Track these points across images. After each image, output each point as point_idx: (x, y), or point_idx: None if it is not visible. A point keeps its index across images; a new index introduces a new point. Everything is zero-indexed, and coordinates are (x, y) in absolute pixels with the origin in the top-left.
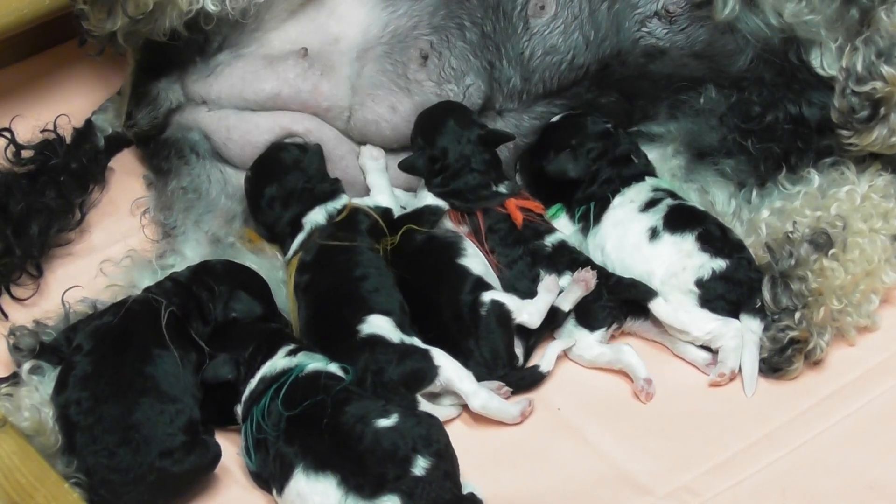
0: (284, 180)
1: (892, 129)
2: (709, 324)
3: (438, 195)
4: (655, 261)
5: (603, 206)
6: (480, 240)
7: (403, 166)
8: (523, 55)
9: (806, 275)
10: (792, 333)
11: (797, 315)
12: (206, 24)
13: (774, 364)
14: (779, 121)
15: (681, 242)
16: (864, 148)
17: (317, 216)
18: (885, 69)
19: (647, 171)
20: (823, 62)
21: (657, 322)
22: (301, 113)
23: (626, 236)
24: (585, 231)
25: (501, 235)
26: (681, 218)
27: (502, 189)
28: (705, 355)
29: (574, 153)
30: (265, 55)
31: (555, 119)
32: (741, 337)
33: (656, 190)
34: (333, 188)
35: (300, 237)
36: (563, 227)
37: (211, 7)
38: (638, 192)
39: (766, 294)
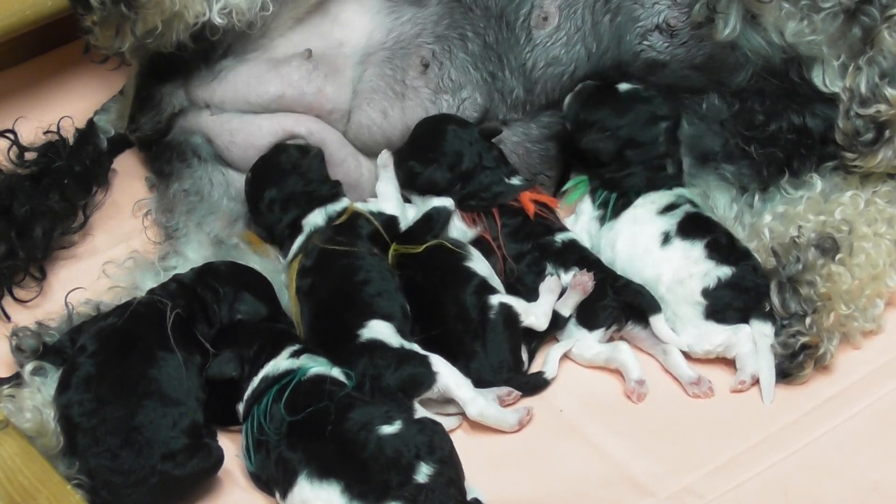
0: (284, 183)
1: None
2: (718, 336)
3: (457, 200)
4: (664, 264)
5: (624, 201)
6: (496, 237)
7: (423, 185)
8: (525, 66)
9: (815, 279)
10: (803, 339)
11: (808, 320)
12: (212, 35)
13: (785, 370)
14: (782, 130)
15: (690, 249)
16: (869, 169)
17: (316, 218)
18: (889, 91)
19: (678, 182)
20: (825, 79)
21: (653, 333)
22: (304, 115)
23: (638, 237)
24: (602, 220)
25: (511, 230)
26: (694, 225)
27: (515, 181)
28: (692, 374)
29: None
30: (269, 59)
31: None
32: (754, 341)
33: (680, 197)
34: (334, 191)
35: (299, 239)
36: (584, 210)
37: (217, 20)
38: (661, 196)
39: (775, 299)
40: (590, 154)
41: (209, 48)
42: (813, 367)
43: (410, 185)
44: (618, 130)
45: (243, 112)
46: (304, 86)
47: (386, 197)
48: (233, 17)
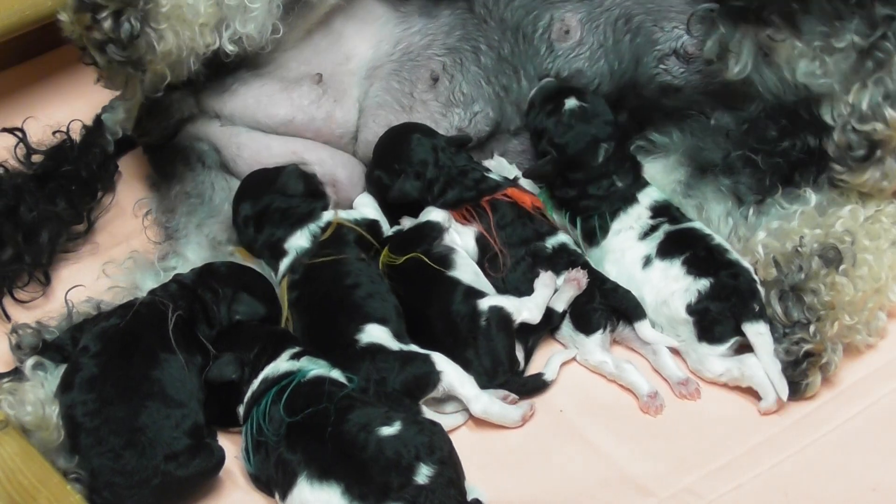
0: (259, 200)
1: (885, 173)
2: (717, 366)
3: (443, 206)
4: (646, 286)
5: (598, 224)
6: (493, 234)
7: (395, 198)
8: (548, 76)
9: (818, 288)
10: (807, 346)
11: (811, 328)
12: (224, 59)
13: (789, 378)
14: (795, 147)
15: (668, 268)
16: (853, 186)
17: (299, 241)
18: (889, 112)
19: (637, 187)
20: (834, 115)
21: None
22: (314, 141)
23: (622, 263)
24: (586, 244)
25: (507, 234)
26: (672, 244)
27: (495, 175)
28: (680, 374)
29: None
30: (281, 78)
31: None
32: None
33: (656, 213)
34: (311, 208)
35: (286, 261)
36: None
37: (229, 48)
38: (637, 218)
39: (777, 308)
40: (539, 177)
41: (220, 63)
42: (818, 377)
43: (383, 198)
44: (557, 150)
45: (253, 128)
46: (314, 111)
47: (364, 204)
48: (243, 44)
